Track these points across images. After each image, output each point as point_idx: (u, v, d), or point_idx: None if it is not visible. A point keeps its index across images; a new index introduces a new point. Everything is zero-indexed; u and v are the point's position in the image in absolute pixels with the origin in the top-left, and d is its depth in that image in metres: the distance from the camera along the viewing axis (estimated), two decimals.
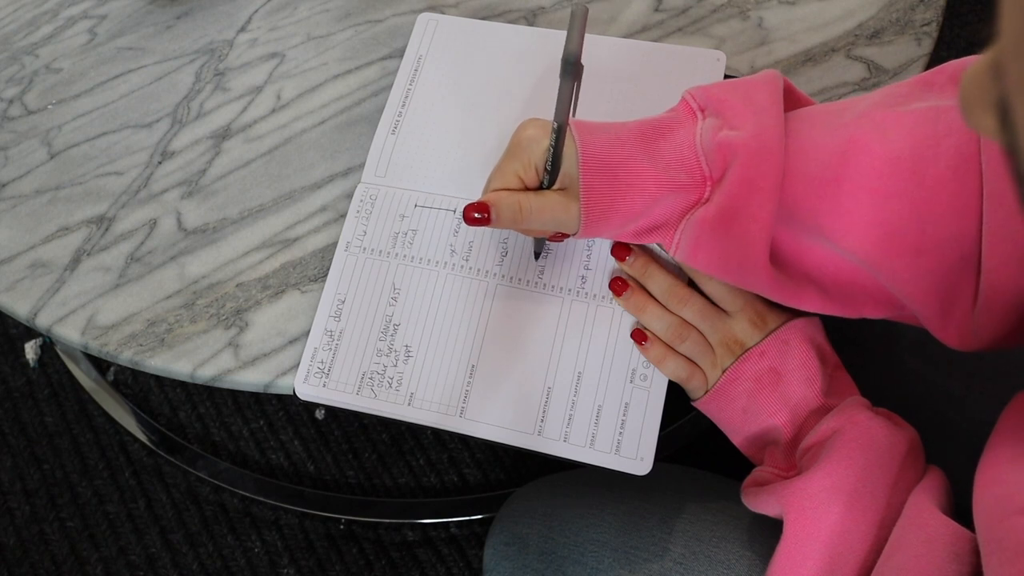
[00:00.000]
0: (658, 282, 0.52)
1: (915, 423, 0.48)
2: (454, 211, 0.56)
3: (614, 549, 0.53)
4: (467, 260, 0.55)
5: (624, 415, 0.51)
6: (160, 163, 0.62)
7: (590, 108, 0.57)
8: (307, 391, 0.54)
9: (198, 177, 0.61)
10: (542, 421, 0.52)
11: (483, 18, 0.65)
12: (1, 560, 1.05)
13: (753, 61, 0.62)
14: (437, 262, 0.55)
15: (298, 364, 0.54)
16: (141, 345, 0.56)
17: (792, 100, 0.48)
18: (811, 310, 0.48)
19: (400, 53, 0.64)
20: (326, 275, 0.56)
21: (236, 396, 1.11)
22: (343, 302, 0.55)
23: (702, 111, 0.47)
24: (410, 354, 0.54)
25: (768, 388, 0.49)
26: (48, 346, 1.15)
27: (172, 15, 0.69)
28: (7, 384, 1.14)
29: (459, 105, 0.60)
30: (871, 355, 0.58)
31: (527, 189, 0.49)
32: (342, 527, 1.04)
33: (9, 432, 1.11)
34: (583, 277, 0.54)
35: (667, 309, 0.52)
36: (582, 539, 0.54)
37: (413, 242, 0.56)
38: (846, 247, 0.43)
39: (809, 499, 0.44)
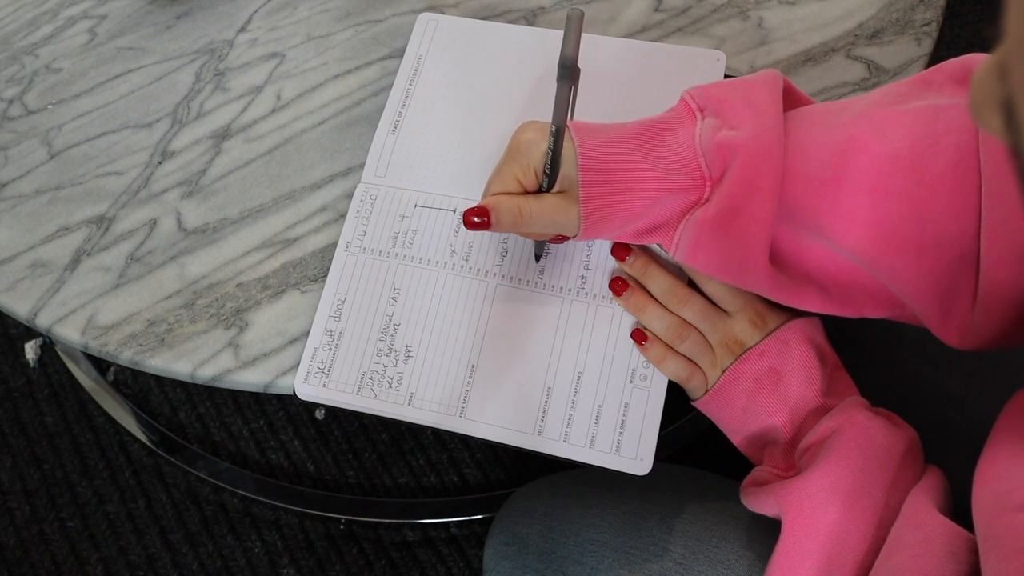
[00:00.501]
0: (658, 282, 0.52)
1: (915, 423, 0.48)
2: (454, 211, 0.57)
3: (614, 549, 0.53)
4: (467, 260, 0.55)
5: (624, 415, 0.52)
6: (160, 163, 0.62)
7: (590, 108, 0.57)
8: (307, 391, 0.54)
9: (198, 177, 0.61)
10: (542, 421, 0.52)
11: (483, 18, 0.65)
12: (1, 560, 1.05)
13: (753, 61, 0.62)
14: (437, 262, 0.55)
15: (298, 364, 0.54)
16: (141, 345, 0.56)
17: (792, 100, 0.48)
18: (811, 310, 0.48)
19: (400, 53, 0.64)
20: (326, 275, 0.56)
21: (236, 396, 1.11)
22: (343, 302, 0.55)
23: (701, 111, 0.47)
24: (410, 354, 0.54)
25: (768, 388, 0.49)
26: (48, 346, 1.15)
27: (172, 15, 0.69)
28: (7, 384, 1.14)
29: (459, 105, 0.60)
30: (871, 355, 0.58)
31: (526, 192, 0.49)
32: (342, 527, 1.04)
33: (9, 432, 1.12)
34: (583, 277, 0.54)
35: (667, 309, 0.52)
36: (582, 539, 0.54)
37: (413, 242, 0.56)
38: (846, 246, 0.43)
39: (807, 499, 0.44)
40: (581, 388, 0.52)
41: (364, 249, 0.56)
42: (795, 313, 0.51)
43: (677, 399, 0.53)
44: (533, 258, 0.55)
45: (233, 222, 0.60)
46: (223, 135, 0.63)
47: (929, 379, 0.56)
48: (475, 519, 1.02)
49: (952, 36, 1.25)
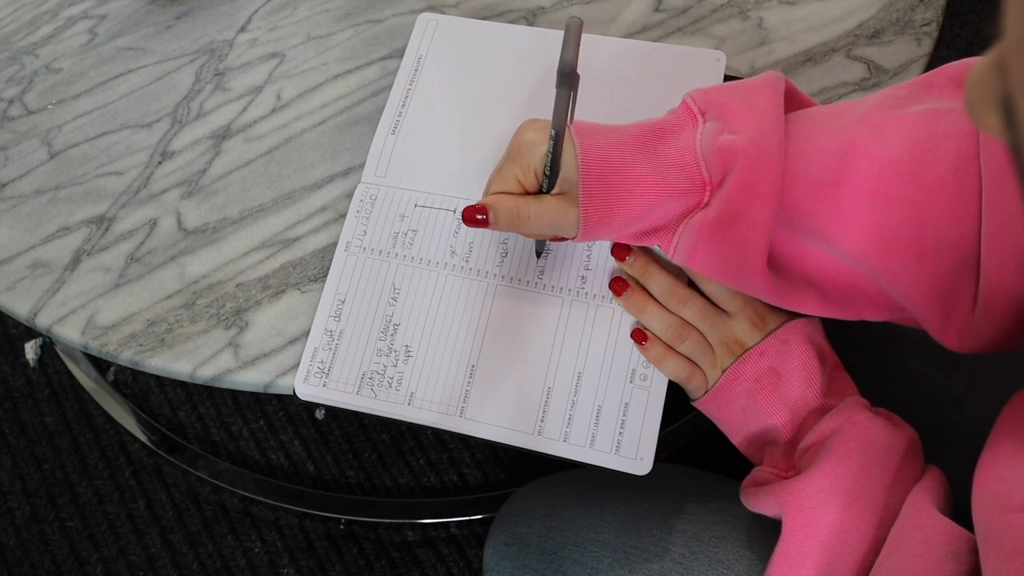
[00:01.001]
0: (658, 282, 0.52)
1: (915, 423, 0.48)
2: (454, 211, 0.57)
3: (614, 549, 0.53)
4: (467, 260, 0.55)
5: (624, 415, 0.52)
6: (160, 163, 0.62)
7: (590, 109, 0.57)
8: (307, 391, 0.54)
9: (198, 177, 0.61)
10: (542, 421, 0.52)
11: (483, 18, 0.65)
12: (1, 560, 1.05)
13: (753, 61, 0.62)
14: (437, 262, 0.55)
15: (298, 364, 0.54)
16: (141, 345, 0.56)
17: (794, 101, 0.48)
18: (810, 313, 0.48)
19: (400, 53, 0.64)
20: (326, 275, 0.56)
21: (236, 396, 1.11)
22: (343, 302, 0.55)
23: (703, 114, 0.47)
24: (410, 354, 0.54)
25: (768, 388, 0.49)
26: (48, 346, 1.15)
27: (172, 15, 0.69)
28: (7, 384, 1.14)
29: (459, 105, 0.60)
30: (871, 355, 0.58)
31: (527, 193, 0.49)
32: (342, 527, 1.04)
33: (9, 432, 1.12)
34: (583, 277, 0.54)
35: (667, 309, 0.52)
36: (582, 539, 0.54)
37: (413, 242, 0.56)
38: (845, 250, 0.43)
39: (807, 499, 0.44)
40: (581, 388, 0.52)
41: (364, 249, 0.56)
42: (795, 313, 0.51)
43: (677, 399, 0.53)
44: (534, 255, 0.55)
45: (233, 222, 0.60)
46: (223, 135, 0.63)
47: (929, 379, 0.56)
48: (475, 519, 1.02)
49: (952, 36, 1.25)
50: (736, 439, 0.52)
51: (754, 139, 0.44)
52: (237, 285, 0.58)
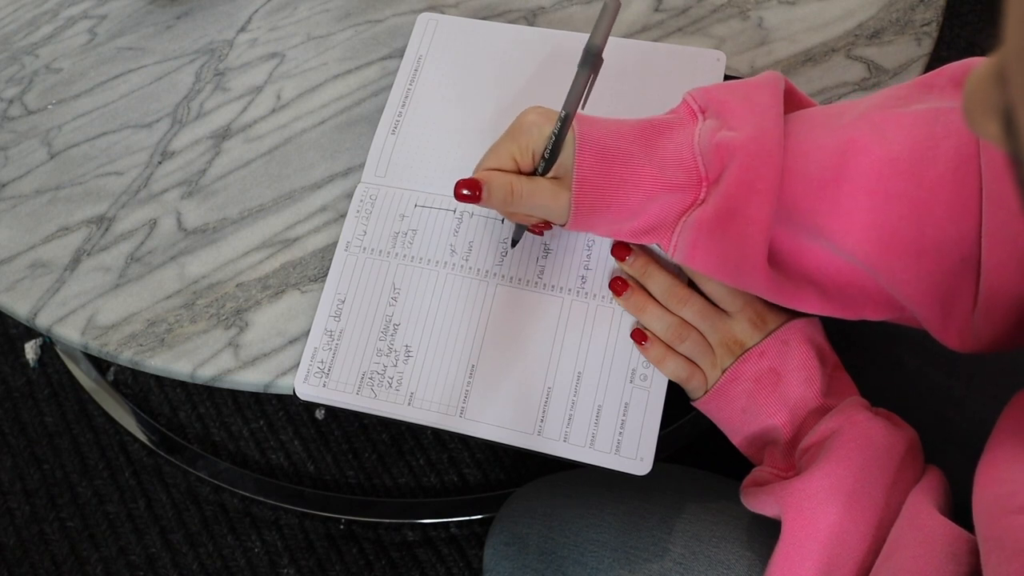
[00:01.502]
0: (658, 282, 0.52)
1: (915, 423, 0.48)
2: (454, 211, 0.56)
3: (614, 549, 0.53)
4: (467, 260, 0.55)
5: (624, 415, 0.51)
6: (160, 163, 0.62)
7: (590, 108, 0.57)
8: (307, 391, 0.54)
9: (198, 177, 0.61)
10: (542, 421, 0.52)
11: (483, 18, 0.65)
12: (1, 560, 1.05)
13: (753, 61, 0.62)
14: (437, 262, 0.55)
15: (298, 364, 0.54)
16: (141, 345, 0.56)
17: (793, 102, 0.48)
18: (810, 311, 0.47)
19: (400, 53, 0.64)
20: (326, 275, 0.56)
21: (236, 396, 1.11)
22: (343, 302, 0.55)
23: (703, 112, 0.47)
24: (410, 354, 0.54)
25: (768, 388, 0.49)
26: (48, 346, 1.15)
27: (172, 15, 0.69)
28: (7, 384, 1.14)
29: (459, 105, 0.60)
30: (871, 355, 0.58)
31: (520, 173, 0.49)
32: (342, 527, 1.04)
33: (9, 432, 1.12)
34: (583, 277, 0.54)
35: (667, 309, 0.52)
36: (582, 539, 0.54)
37: (413, 242, 0.56)
38: (845, 249, 0.43)
39: (807, 499, 0.44)
40: (581, 388, 0.52)
41: (364, 249, 0.56)
42: (795, 313, 0.51)
43: (677, 399, 0.53)
44: (534, 255, 0.55)
45: (233, 222, 0.60)
46: (223, 135, 0.63)
47: (929, 379, 0.56)
48: (475, 519, 1.02)
49: (952, 36, 1.25)
50: (736, 439, 0.52)
51: (753, 136, 0.44)
52: (237, 285, 0.58)
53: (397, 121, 0.60)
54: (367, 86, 0.64)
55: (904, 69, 0.60)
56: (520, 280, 0.55)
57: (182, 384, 1.12)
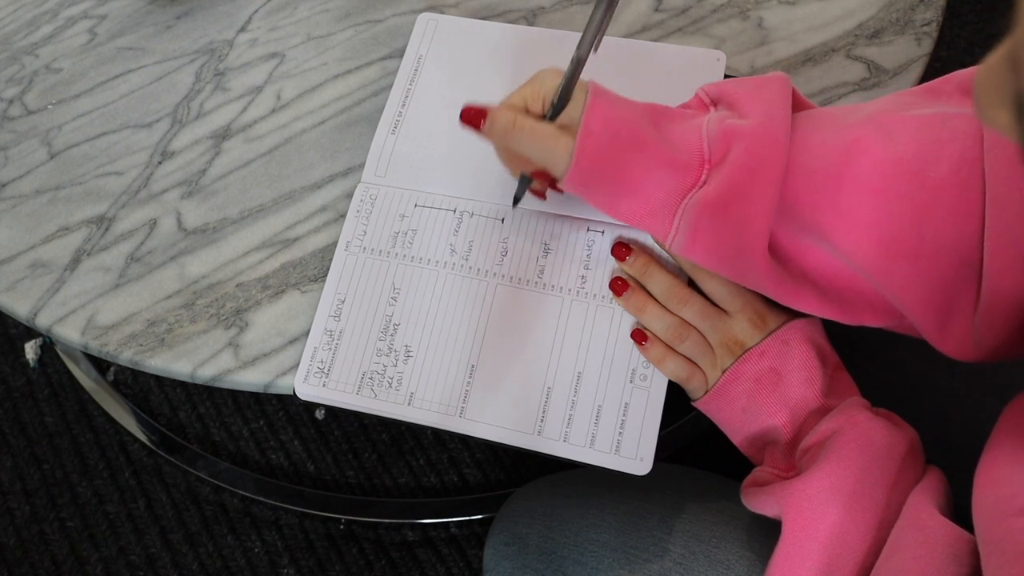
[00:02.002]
0: (658, 282, 0.52)
1: (915, 423, 0.48)
2: (454, 211, 0.56)
3: (614, 549, 0.53)
4: (467, 260, 0.55)
5: (624, 415, 0.51)
6: (160, 163, 0.62)
7: None
8: (307, 391, 0.54)
9: (198, 177, 0.61)
10: (542, 421, 0.52)
11: (483, 18, 0.65)
12: (1, 560, 1.05)
13: (753, 61, 0.62)
14: (437, 262, 0.55)
15: (298, 364, 0.54)
16: (141, 345, 0.56)
17: (796, 106, 0.49)
18: (809, 311, 0.47)
19: (400, 53, 0.64)
20: (326, 275, 0.56)
21: (236, 396, 1.11)
22: (343, 302, 0.55)
23: (714, 105, 0.47)
24: (410, 354, 0.54)
25: (768, 388, 0.49)
26: (48, 346, 1.15)
27: (172, 15, 0.69)
28: (7, 384, 1.14)
29: (459, 105, 0.60)
30: (871, 355, 0.58)
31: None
32: (342, 527, 1.04)
33: (9, 432, 1.12)
34: (583, 277, 0.54)
35: (667, 309, 0.52)
36: (582, 539, 0.54)
37: (413, 242, 0.56)
38: (843, 249, 0.43)
39: (808, 499, 0.44)
40: (581, 388, 0.52)
41: (364, 249, 0.56)
42: (795, 313, 0.51)
43: (677, 399, 0.53)
44: (534, 255, 0.55)
45: (233, 222, 0.60)
46: (223, 135, 0.63)
47: (929, 379, 0.56)
48: (475, 519, 1.02)
49: (952, 36, 1.25)
50: (736, 439, 0.52)
51: (761, 122, 0.44)
52: (237, 285, 0.57)
53: (397, 121, 0.60)
54: (367, 86, 0.64)
55: (904, 69, 0.60)
56: (520, 280, 0.55)
57: (182, 384, 1.12)
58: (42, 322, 0.57)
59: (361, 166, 0.59)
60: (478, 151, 0.58)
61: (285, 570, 1.02)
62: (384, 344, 0.54)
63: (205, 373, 0.55)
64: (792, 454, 0.48)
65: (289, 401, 1.09)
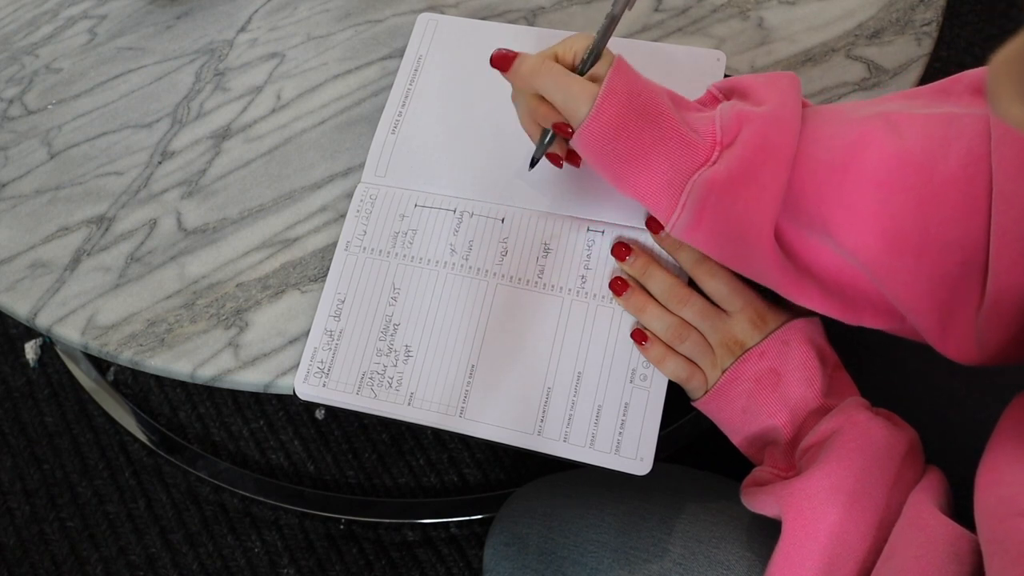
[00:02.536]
0: (658, 282, 0.52)
1: (915, 423, 0.48)
2: (454, 211, 0.56)
3: (614, 549, 0.53)
4: (467, 260, 0.55)
5: (624, 415, 0.51)
6: (160, 163, 0.62)
7: None
8: (307, 391, 0.54)
9: (198, 177, 0.61)
10: (542, 421, 0.52)
11: (483, 18, 0.65)
12: (1, 560, 1.05)
13: (753, 61, 0.62)
14: (437, 262, 0.55)
15: (298, 364, 0.54)
16: (141, 345, 0.56)
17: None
18: (811, 306, 0.47)
19: (400, 53, 0.64)
20: (326, 275, 0.56)
21: (236, 396, 1.11)
22: (343, 302, 0.55)
23: (727, 98, 0.48)
24: (410, 354, 0.54)
25: (768, 388, 0.49)
26: (48, 346, 1.15)
27: (172, 15, 0.69)
28: (7, 384, 1.14)
29: (459, 105, 0.60)
30: (871, 355, 0.58)
31: None
32: (342, 527, 1.04)
33: (9, 432, 1.11)
34: (583, 277, 0.54)
35: (667, 309, 0.52)
36: (582, 539, 0.54)
37: (413, 242, 0.56)
38: (847, 244, 0.43)
39: (808, 499, 0.44)
40: (581, 388, 0.52)
41: (364, 249, 0.56)
42: (795, 314, 0.51)
43: (677, 399, 0.53)
44: (534, 256, 0.55)
45: (233, 222, 0.60)
46: (223, 135, 0.63)
47: (929, 379, 0.56)
48: (475, 519, 1.02)
49: (952, 36, 1.25)
50: (736, 439, 0.52)
51: (772, 109, 0.45)
52: (237, 285, 0.57)
53: (397, 121, 0.60)
54: (367, 86, 0.64)
55: (904, 69, 0.60)
56: (520, 280, 0.55)
57: (182, 384, 1.12)
58: (42, 322, 0.57)
59: (361, 166, 0.59)
60: (478, 151, 0.58)
61: (285, 570, 1.02)
62: (384, 344, 0.54)
63: (205, 373, 0.55)
64: (792, 454, 0.48)
65: (289, 401, 1.09)
